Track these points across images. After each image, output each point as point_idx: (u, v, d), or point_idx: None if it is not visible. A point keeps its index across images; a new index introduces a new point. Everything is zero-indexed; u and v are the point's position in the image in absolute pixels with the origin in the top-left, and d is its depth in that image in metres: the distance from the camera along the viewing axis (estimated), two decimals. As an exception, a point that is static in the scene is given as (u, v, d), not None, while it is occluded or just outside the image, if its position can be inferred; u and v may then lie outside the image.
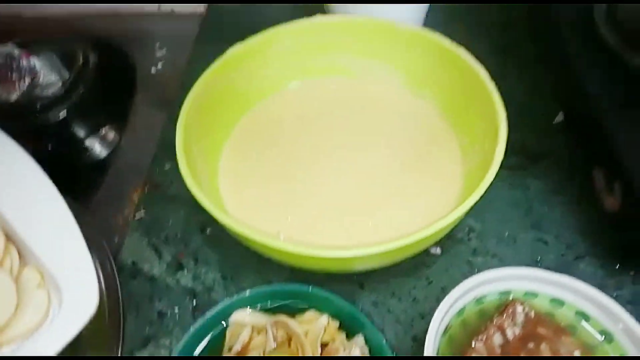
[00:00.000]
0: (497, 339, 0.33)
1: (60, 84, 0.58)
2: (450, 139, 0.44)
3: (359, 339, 0.34)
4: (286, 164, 0.44)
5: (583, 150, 0.43)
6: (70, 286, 0.33)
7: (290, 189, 0.43)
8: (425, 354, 0.31)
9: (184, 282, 0.42)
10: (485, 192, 0.35)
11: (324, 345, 0.34)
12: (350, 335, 0.35)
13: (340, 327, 0.35)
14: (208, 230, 0.45)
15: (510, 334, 0.33)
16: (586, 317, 0.33)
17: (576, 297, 0.33)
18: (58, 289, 0.33)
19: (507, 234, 0.41)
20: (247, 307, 0.36)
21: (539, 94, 0.50)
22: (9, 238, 0.35)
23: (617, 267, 0.39)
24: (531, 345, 0.33)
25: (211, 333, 0.35)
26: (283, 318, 0.35)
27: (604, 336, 0.32)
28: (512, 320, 0.33)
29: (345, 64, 0.49)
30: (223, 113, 0.46)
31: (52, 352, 0.31)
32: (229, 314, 0.35)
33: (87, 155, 0.60)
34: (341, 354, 0.33)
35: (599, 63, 0.40)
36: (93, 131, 0.60)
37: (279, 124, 0.47)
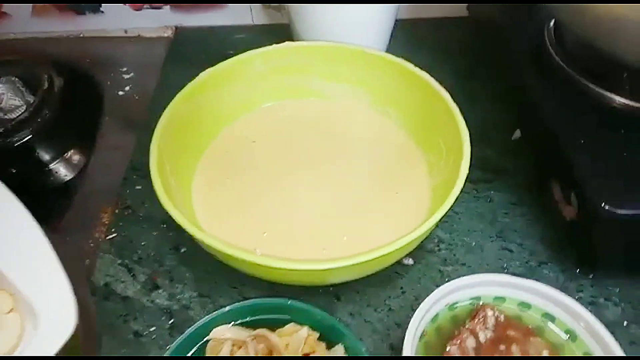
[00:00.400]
0: (470, 343, 0.35)
1: (24, 107, 0.58)
2: (418, 156, 0.46)
3: (339, 348, 0.35)
4: (259, 182, 0.45)
5: (540, 163, 0.46)
6: (46, 309, 0.32)
7: (265, 206, 0.44)
8: (403, 360, 0.32)
9: (159, 301, 0.41)
10: (452, 205, 0.36)
11: (304, 357, 0.34)
12: (330, 346, 0.35)
13: (320, 338, 0.36)
14: (182, 250, 0.45)
15: (482, 337, 0.35)
16: (552, 318, 0.35)
17: (541, 300, 0.35)
18: (33, 313, 0.32)
19: (474, 243, 0.43)
20: (227, 322, 0.36)
21: (497, 112, 0.53)
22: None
23: (577, 271, 0.41)
24: (502, 347, 0.34)
25: (193, 349, 0.35)
26: (263, 332, 0.35)
27: (568, 335, 0.34)
28: (483, 324, 0.35)
29: (315, 86, 0.51)
30: (196, 133, 0.47)
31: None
32: (210, 330, 0.35)
33: (52, 179, 0.58)
34: None
35: (551, 85, 0.43)
36: (58, 154, 0.60)
37: (251, 143, 0.48)
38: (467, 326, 0.35)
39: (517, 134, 0.50)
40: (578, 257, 0.41)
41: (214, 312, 0.36)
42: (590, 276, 0.41)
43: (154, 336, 0.39)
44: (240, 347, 0.35)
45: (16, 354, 0.32)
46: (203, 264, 0.43)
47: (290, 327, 0.36)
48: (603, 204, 0.35)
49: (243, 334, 0.36)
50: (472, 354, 0.34)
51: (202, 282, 0.42)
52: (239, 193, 0.45)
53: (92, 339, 0.39)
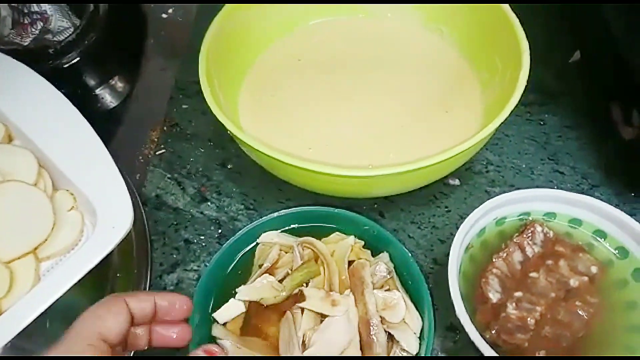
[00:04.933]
0: (517, 256, 0.34)
1: (71, 30, 0.58)
2: (471, 75, 0.45)
3: (384, 255, 0.35)
4: (306, 99, 0.45)
5: (599, 86, 0.44)
6: (104, 208, 0.34)
7: (311, 123, 0.43)
8: (449, 271, 0.32)
9: (208, 212, 0.43)
10: (502, 124, 0.35)
11: (349, 263, 0.35)
12: (375, 254, 0.36)
13: (365, 247, 0.36)
14: (229, 166, 0.45)
15: (529, 251, 0.34)
16: (603, 235, 0.34)
17: (594, 216, 0.34)
18: (92, 211, 0.34)
19: (524, 165, 0.42)
20: (275, 229, 0.37)
21: (555, 32, 0.50)
22: (41, 165, 0.36)
23: (632, 195, 0.40)
24: (550, 262, 0.34)
25: (241, 252, 0.36)
26: (310, 239, 0.36)
27: (618, 251, 0.34)
28: (531, 239, 0.35)
29: (365, 4, 0.49)
30: (242, 49, 0.47)
31: (87, 269, 0.32)
32: (258, 235, 0.36)
33: (99, 105, 0.60)
34: (367, 270, 0.34)
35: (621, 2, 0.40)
36: (104, 80, 0.60)
37: (298, 59, 0.48)
38: (514, 240, 0.35)
39: (577, 55, 0.47)
40: (633, 179, 0.40)
41: (263, 217, 0.36)
42: (645, 200, 0.40)
43: (203, 244, 0.41)
44: (287, 252, 0.36)
45: (76, 249, 0.34)
46: (249, 179, 0.44)
47: (335, 235, 0.37)
48: (669, 119, 0.33)
49: (290, 239, 0.37)
50: (518, 268, 0.34)
51: (249, 196, 0.43)
52: (285, 109, 0.45)
53: (144, 244, 0.41)
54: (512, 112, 0.35)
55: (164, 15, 0.63)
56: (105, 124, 0.57)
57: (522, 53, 0.37)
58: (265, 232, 0.37)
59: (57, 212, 0.34)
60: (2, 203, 0.33)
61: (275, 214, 0.37)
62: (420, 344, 0.32)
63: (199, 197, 0.44)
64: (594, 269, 0.33)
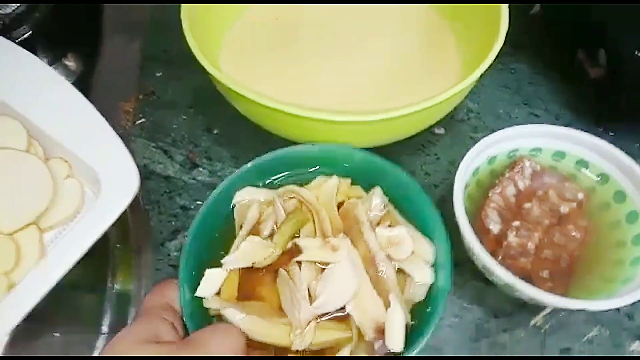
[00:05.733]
0: (511, 190, 0.37)
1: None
2: (446, 32, 0.46)
3: (376, 189, 0.35)
4: (287, 52, 0.45)
5: (562, 34, 0.47)
6: (107, 174, 0.32)
7: (293, 74, 0.44)
8: (455, 210, 0.33)
9: (201, 178, 0.42)
10: (491, 65, 0.37)
11: (339, 206, 0.34)
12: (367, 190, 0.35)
13: (353, 184, 0.36)
14: (215, 131, 0.45)
15: (521, 185, 0.37)
16: (585, 164, 0.37)
17: (576, 147, 0.37)
18: (93, 178, 0.32)
19: (501, 111, 0.45)
20: (254, 184, 0.36)
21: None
22: (31, 135, 0.34)
23: (600, 129, 0.43)
24: (540, 192, 0.37)
25: (224, 215, 0.35)
26: (291, 188, 0.35)
27: (600, 178, 0.37)
28: (521, 174, 0.37)
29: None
30: (218, 12, 0.46)
31: (91, 240, 0.31)
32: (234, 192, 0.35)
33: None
34: (359, 208, 0.33)
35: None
36: (58, 57, 0.57)
37: (276, 18, 0.48)
38: (506, 175, 0.37)
39: (537, 8, 0.50)
40: (599, 116, 0.43)
41: (236, 171, 0.35)
42: (612, 134, 0.43)
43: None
44: (268, 207, 0.35)
45: (77, 219, 0.33)
46: (238, 142, 0.44)
47: (318, 179, 0.35)
48: (635, 52, 0.36)
49: (269, 193, 0.35)
50: (512, 200, 0.37)
51: (239, 159, 0.43)
52: (267, 70, 0.44)
53: (139, 214, 0.40)
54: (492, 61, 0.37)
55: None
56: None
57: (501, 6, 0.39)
58: (238, 191, 0.35)
59: (54, 180, 0.32)
60: (-4, 173, 0.31)
61: (249, 164, 0.35)
62: (436, 273, 0.32)
63: (188, 163, 0.43)
64: (580, 196, 0.36)
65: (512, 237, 0.35)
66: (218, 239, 0.34)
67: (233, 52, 0.45)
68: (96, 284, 0.36)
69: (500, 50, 0.37)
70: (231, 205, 0.35)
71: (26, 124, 0.33)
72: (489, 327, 0.35)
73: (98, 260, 0.36)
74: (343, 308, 0.31)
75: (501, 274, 0.31)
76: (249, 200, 0.35)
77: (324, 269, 0.31)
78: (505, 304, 0.36)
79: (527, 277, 0.33)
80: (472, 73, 0.37)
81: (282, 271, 0.32)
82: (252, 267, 0.32)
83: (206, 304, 0.31)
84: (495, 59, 0.37)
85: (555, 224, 0.36)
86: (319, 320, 0.31)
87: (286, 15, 0.48)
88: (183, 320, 0.30)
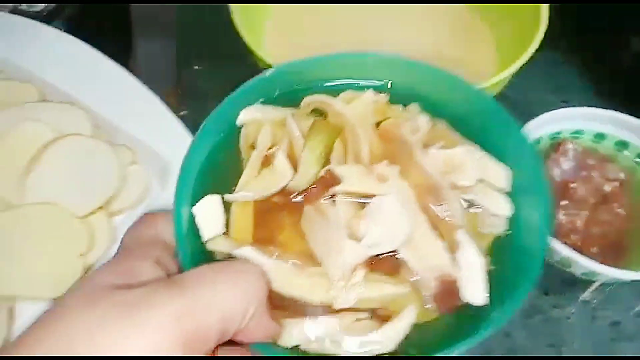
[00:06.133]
0: (556, 172, 0.38)
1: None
2: (483, 30, 0.48)
3: (414, 107, 0.27)
4: (328, 35, 0.47)
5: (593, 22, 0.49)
6: (174, 161, 0.33)
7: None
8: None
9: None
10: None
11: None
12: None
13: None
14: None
15: (565, 166, 0.38)
16: (625, 145, 0.39)
17: (615, 128, 0.39)
18: (160, 165, 0.33)
19: (535, 99, 0.46)
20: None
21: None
22: (96, 124, 0.34)
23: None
24: (584, 173, 0.38)
25: (227, 140, 0.26)
26: (319, 97, 0.27)
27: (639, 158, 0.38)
28: (565, 156, 0.38)
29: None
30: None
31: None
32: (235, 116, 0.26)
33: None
34: (405, 127, 0.26)
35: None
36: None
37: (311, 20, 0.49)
38: (552, 158, 0.38)
39: None
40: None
41: (237, 89, 0.26)
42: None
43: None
44: (280, 129, 0.26)
45: (143, 206, 0.33)
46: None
47: (347, 94, 0.27)
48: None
49: (282, 112, 0.26)
50: (558, 181, 0.38)
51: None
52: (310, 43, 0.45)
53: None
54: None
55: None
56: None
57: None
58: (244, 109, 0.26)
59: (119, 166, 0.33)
60: (66, 158, 0.32)
61: (268, 72, 0.26)
62: (516, 203, 0.24)
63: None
64: (622, 175, 0.38)
65: (561, 216, 0.36)
66: (220, 168, 0.25)
67: (277, 37, 0.47)
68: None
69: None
70: (237, 123, 0.27)
71: (91, 112, 0.34)
72: (541, 304, 0.36)
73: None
74: (393, 253, 0.23)
75: (559, 248, 0.32)
76: (257, 119, 0.27)
77: (363, 205, 0.23)
78: (553, 282, 0.37)
79: (579, 253, 0.34)
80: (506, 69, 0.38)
81: (309, 208, 0.24)
82: (267, 202, 0.24)
83: (211, 246, 0.23)
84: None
85: (601, 202, 0.37)
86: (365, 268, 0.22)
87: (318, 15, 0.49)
88: (177, 259, 0.22)
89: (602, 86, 0.47)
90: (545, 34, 0.43)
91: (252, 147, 0.26)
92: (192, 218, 0.23)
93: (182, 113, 0.46)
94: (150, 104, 0.34)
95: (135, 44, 0.57)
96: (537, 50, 0.48)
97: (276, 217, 0.24)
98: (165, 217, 0.23)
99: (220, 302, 0.18)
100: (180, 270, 0.21)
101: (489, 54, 0.46)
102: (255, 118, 0.27)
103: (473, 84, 0.27)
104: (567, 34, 0.50)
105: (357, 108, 0.26)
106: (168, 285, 0.18)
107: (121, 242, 0.22)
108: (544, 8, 0.41)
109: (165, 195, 0.32)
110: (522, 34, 0.42)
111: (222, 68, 0.48)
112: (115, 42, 0.58)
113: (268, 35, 0.47)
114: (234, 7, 0.40)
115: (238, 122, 0.27)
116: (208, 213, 0.23)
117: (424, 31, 0.48)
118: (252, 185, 0.24)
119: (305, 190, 0.24)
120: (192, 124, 0.45)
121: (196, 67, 0.49)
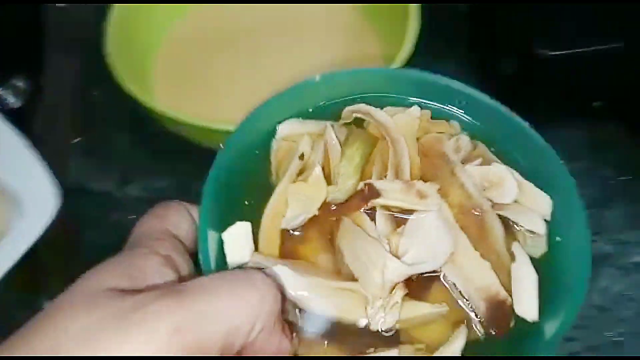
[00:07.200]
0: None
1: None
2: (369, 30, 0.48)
3: (454, 123, 0.27)
4: (214, 67, 0.47)
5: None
6: (28, 195, 0.33)
7: (223, 89, 0.45)
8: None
9: (136, 193, 0.43)
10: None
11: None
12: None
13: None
14: (153, 147, 0.46)
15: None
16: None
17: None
18: (17, 202, 0.33)
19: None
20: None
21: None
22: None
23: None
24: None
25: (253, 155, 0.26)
26: (362, 106, 0.26)
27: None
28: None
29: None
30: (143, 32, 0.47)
31: (17, 256, 0.32)
32: (267, 133, 0.26)
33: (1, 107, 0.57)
34: (447, 144, 0.26)
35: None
36: (5, 79, 0.57)
37: (205, 34, 0.49)
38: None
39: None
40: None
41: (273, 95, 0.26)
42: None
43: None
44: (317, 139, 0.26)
45: (3, 242, 0.34)
46: (177, 157, 0.44)
47: (389, 109, 0.27)
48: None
49: (319, 124, 0.26)
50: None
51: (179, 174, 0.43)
52: (199, 83, 0.46)
53: (71, 229, 0.41)
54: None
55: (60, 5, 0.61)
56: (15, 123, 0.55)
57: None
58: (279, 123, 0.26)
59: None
60: None
61: (318, 77, 0.27)
62: (552, 230, 0.24)
63: (125, 179, 0.44)
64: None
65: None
66: (239, 185, 0.25)
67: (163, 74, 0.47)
68: (28, 301, 0.37)
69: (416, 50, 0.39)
70: (272, 140, 0.26)
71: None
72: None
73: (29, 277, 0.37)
74: (433, 273, 0.23)
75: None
76: (297, 134, 0.26)
77: (403, 221, 0.23)
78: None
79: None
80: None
81: (346, 220, 0.23)
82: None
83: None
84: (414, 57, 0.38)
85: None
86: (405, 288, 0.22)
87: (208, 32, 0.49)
88: (190, 255, 0.22)
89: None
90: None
91: (284, 157, 0.25)
92: (220, 238, 0.22)
93: (76, 141, 0.47)
94: (6, 138, 0.34)
95: (46, 65, 0.57)
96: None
97: (302, 235, 0.24)
98: (178, 209, 0.22)
99: (222, 315, 0.17)
100: (193, 269, 0.21)
101: (375, 53, 0.47)
102: (293, 130, 0.26)
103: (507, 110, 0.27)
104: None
105: (401, 121, 0.26)
106: (167, 295, 0.17)
107: (130, 237, 0.21)
108: (412, 8, 0.42)
109: (19, 228, 0.32)
110: (402, 33, 0.41)
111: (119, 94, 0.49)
112: (28, 63, 0.58)
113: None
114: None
115: (279, 134, 0.26)
116: (237, 241, 0.22)
117: (314, 38, 0.48)
118: (294, 205, 0.23)
119: (342, 202, 0.23)
120: (84, 153, 0.45)
121: (95, 93, 0.49)
